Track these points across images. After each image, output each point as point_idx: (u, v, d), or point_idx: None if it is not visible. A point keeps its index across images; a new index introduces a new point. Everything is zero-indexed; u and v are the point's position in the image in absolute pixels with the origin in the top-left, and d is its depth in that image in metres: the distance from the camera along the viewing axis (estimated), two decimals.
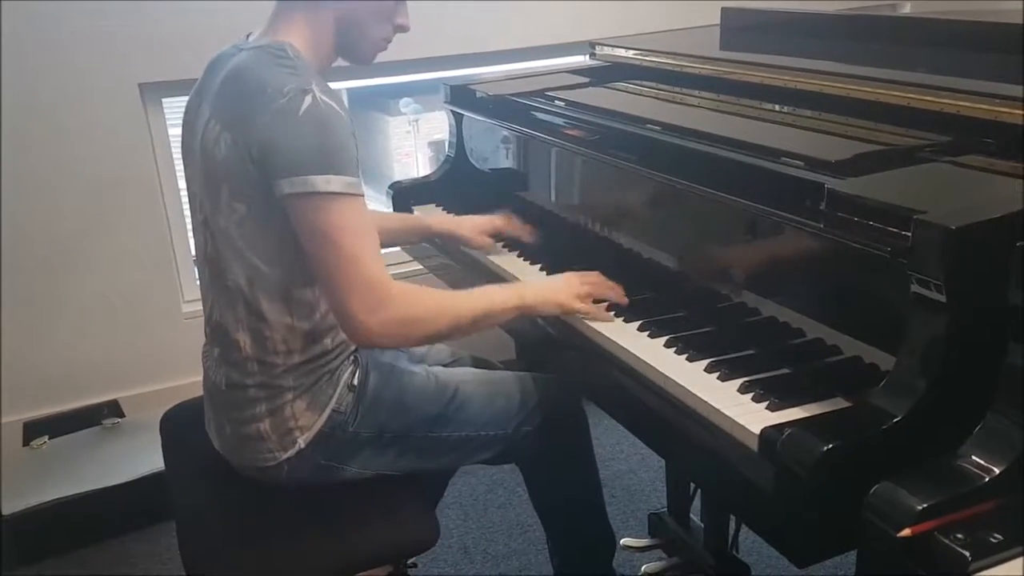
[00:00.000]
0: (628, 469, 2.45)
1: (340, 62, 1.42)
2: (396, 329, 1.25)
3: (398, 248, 1.95)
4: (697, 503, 1.86)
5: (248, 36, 1.38)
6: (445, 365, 1.58)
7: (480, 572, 2.12)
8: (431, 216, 1.83)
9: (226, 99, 1.27)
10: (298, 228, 1.23)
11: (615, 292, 1.41)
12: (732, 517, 1.73)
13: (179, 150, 2.46)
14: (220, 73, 1.31)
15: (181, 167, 2.48)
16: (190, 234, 2.54)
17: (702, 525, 1.81)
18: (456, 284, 1.89)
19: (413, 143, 3.10)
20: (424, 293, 1.30)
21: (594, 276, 1.43)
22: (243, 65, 1.28)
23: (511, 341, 1.98)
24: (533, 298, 1.38)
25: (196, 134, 1.33)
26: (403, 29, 1.41)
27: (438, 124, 3.02)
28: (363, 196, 1.24)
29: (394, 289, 1.24)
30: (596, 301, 1.40)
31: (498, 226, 1.74)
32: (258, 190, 1.24)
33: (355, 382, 1.39)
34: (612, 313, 1.38)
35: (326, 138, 1.21)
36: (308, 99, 1.20)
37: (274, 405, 1.35)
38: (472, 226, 1.73)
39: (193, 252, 2.53)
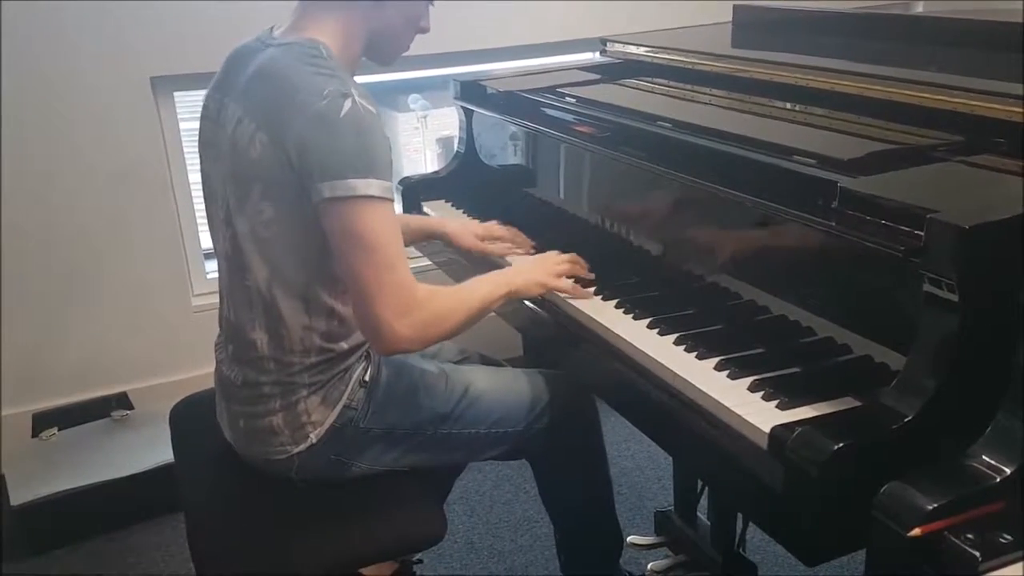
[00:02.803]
0: (635, 467, 2.45)
1: None
2: (420, 332, 1.25)
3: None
4: (704, 501, 1.86)
5: (272, 30, 1.35)
6: (455, 363, 1.57)
7: (486, 568, 2.12)
8: (430, 217, 1.81)
9: (259, 98, 1.26)
10: (331, 232, 1.22)
11: (581, 270, 1.48)
12: (739, 516, 1.73)
13: (190, 144, 2.49)
14: (245, 69, 1.30)
15: (192, 161, 2.51)
16: (200, 228, 2.56)
17: (709, 523, 1.81)
18: (459, 279, 1.89)
19: (421, 139, 3.10)
20: (443, 293, 1.31)
21: (570, 255, 1.49)
22: (274, 64, 1.26)
23: (518, 338, 1.98)
24: (519, 281, 1.42)
25: (224, 132, 1.31)
26: (424, 31, 1.42)
27: (446, 120, 3.01)
28: (393, 201, 1.24)
29: (419, 292, 1.25)
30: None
31: (491, 232, 1.73)
32: (290, 192, 1.23)
33: (367, 378, 1.39)
34: (592, 291, 1.45)
35: (366, 141, 1.20)
36: (348, 102, 1.19)
37: (288, 401, 1.35)
38: (463, 229, 1.72)
39: (204, 246, 2.57)
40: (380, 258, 1.20)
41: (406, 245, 1.81)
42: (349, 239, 1.21)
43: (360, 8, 1.32)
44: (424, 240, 1.79)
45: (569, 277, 1.47)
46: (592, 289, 1.46)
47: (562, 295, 1.45)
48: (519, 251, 1.69)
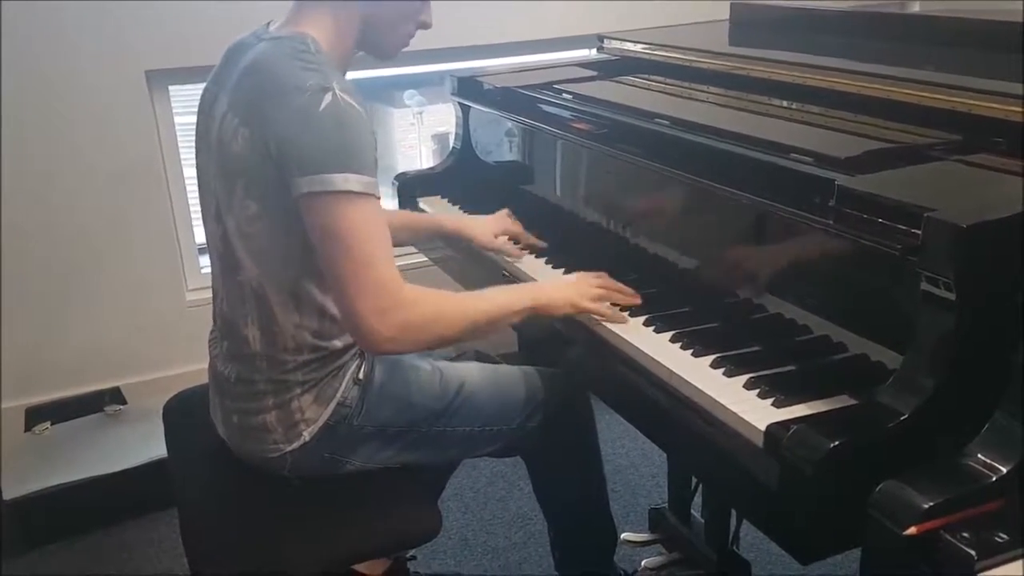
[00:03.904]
0: (629, 464, 2.45)
1: None
2: (405, 334, 1.22)
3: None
4: (698, 499, 1.86)
5: (268, 24, 1.35)
6: (450, 360, 1.57)
7: (480, 564, 2.12)
8: (441, 215, 1.81)
9: (244, 92, 1.26)
10: (311, 227, 1.21)
11: (625, 295, 1.39)
12: (733, 513, 1.73)
13: (185, 138, 2.49)
14: (239, 63, 1.29)
15: (187, 155, 2.50)
16: (194, 222, 2.55)
17: (703, 521, 1.81)
18: (459, 276, 1.88)
19: (417, 135, 3.10)
20: (437, 297, 1.28)
21: (603, 278, 1.40)
22: (262, 58, 1.26)
23: (513, 335, 1.98)
24: (547, 298, 1.36)
25: (213, 125, 1.30)
26: (426, 26, 1.40)
27: (442, 117, 3.01)
28: (379, 198, 1.22)
29: (405, 293, 1.22)
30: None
31: (507, 228, 1.71)
32: (273, 188, 1.22)
33: (361, 376, 1.38)
34: (627, 314, 1.36)
35: (345, 136, 1.19)
36: (328, 96, 1.18)
37: (281, 399, 1.34)
38: (483, 227, 1.70)
39: (198, 241, 2.56)
40: (357, 254, 1.19)
41: (413, 244, 1.81)
42: (327, 235, 1.19)
43: (352, 3, 1.31)
44: (437, 238, 1.78)
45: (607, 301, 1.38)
46: (627, 313, 1.35)
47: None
48: (528, 252, 1.66)
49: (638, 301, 1.38)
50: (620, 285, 1.40)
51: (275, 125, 1.20)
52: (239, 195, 1.26)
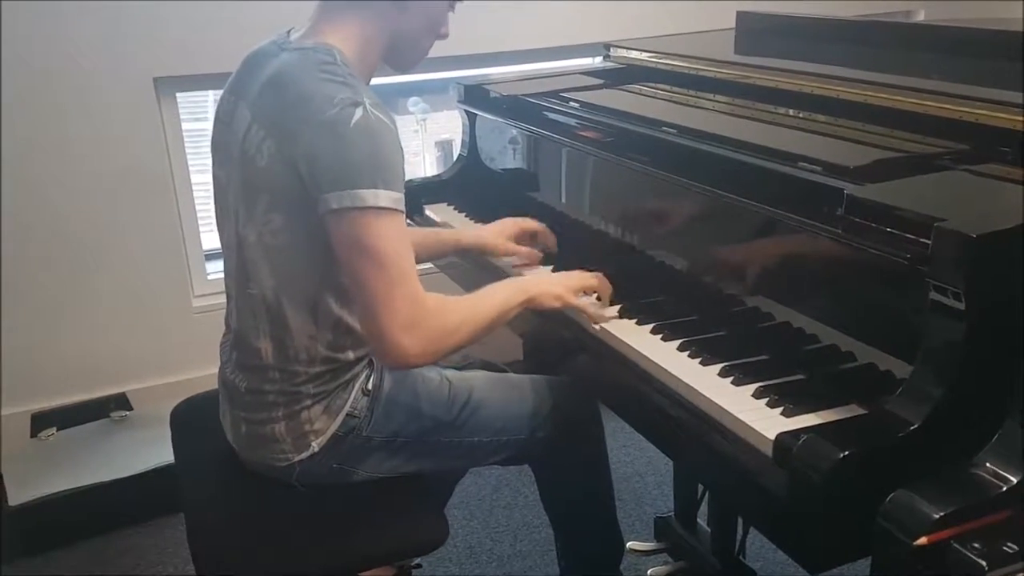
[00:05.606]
0: (635, 472, 2.45)
1: None
2: (428, 346, 1.23)
3: None
4: (704, 508, 1.85)
5: (289, 32, 1.34)
6: (457, 369, 1.56)
7: (485, 573, 2.12)
8: (458, 231, 1.79)
9: (270, 105, 1.24)
10: (338, 243, 1.20)
11: (605, 289, 1.41)
12: (739, 521, 1.73)
13: (192, 145, 2.49)
14: (260, 74, 1.28)
15: (194, 161, 2.50)
16: (202, 228, 2.55)
17: (709, 530, 1.81)
18: (463, 282, 1.88)
19: (421, 142, 3.10)
20: (452, 304, 1.28)
21: (599, 278, 1.43)
22: (288, 70, 1.24)
23: (519, 342, 1.98)
24: (537, 290, 1.38)
25: (234, 137, 1.29)
26: (443, 37, 1.40)
27: (446, 124, 3.02)
28: (405, 212, 1.22)
29: (429, 304, 1.23)
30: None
31: (522, 227, 1.69)
32: (299, 202, 1.21)
33: (370, 386, 1.38)
34: (616, 310, 1.39)
35: (376, 151, 1.18)
36: (359, 111, 1.17)
37: (291, 410, 1.34)
38: (497, 233, 1.68)
39: (206, 247, 2.56)
40: (389, 271, 1.18)
41: (435, 260, 1.79)
42: (357, 251, 1.19)
43: (380, 11, 1.30)
44: (455, 253, 1.74)
45: (591, 295, 1.42)
46: (615, 309, 1.40)
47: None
48: (540, 257, 1.66)
49: (608, 290, 1.41)
50: (606, 282, 1.42)
51: (303, 139, 1.19)
52: (262, 208, 1.26)
